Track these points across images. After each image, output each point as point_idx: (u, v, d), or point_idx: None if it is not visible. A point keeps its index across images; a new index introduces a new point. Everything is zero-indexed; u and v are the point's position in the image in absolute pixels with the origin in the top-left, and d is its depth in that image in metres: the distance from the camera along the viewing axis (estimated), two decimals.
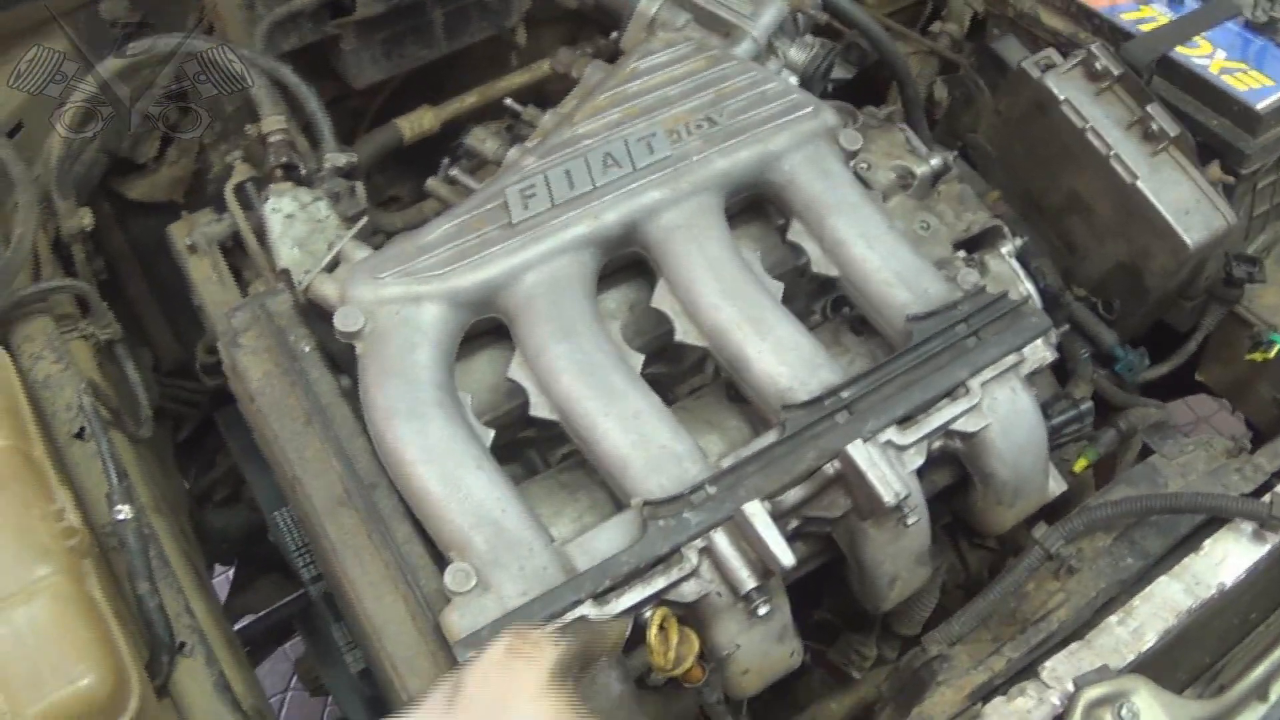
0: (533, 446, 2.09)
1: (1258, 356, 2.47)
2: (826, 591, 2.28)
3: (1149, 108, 2.43)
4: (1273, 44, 2.58)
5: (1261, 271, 2.52)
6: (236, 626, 2.94)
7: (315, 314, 2.00)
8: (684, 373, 2.17)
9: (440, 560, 1.75)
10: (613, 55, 2.50)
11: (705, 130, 2.09)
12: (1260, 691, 1.92)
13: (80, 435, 2.08)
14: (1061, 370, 2.46)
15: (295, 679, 3.30)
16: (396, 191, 2.87)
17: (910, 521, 1.82)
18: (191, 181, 2.73)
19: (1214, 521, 2.06)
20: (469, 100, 2.72)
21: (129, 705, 1.68)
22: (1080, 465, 2.38)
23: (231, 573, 3.13)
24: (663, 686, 1.78)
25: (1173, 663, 1.95)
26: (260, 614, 3.09)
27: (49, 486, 1.86)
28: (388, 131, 2.60)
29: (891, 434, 1.83)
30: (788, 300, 2.04)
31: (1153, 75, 2.52)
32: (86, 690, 1.64)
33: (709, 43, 2.28)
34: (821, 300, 2.23)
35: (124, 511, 1.91)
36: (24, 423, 1.95)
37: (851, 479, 1.78)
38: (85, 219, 2.38)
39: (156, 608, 1.88)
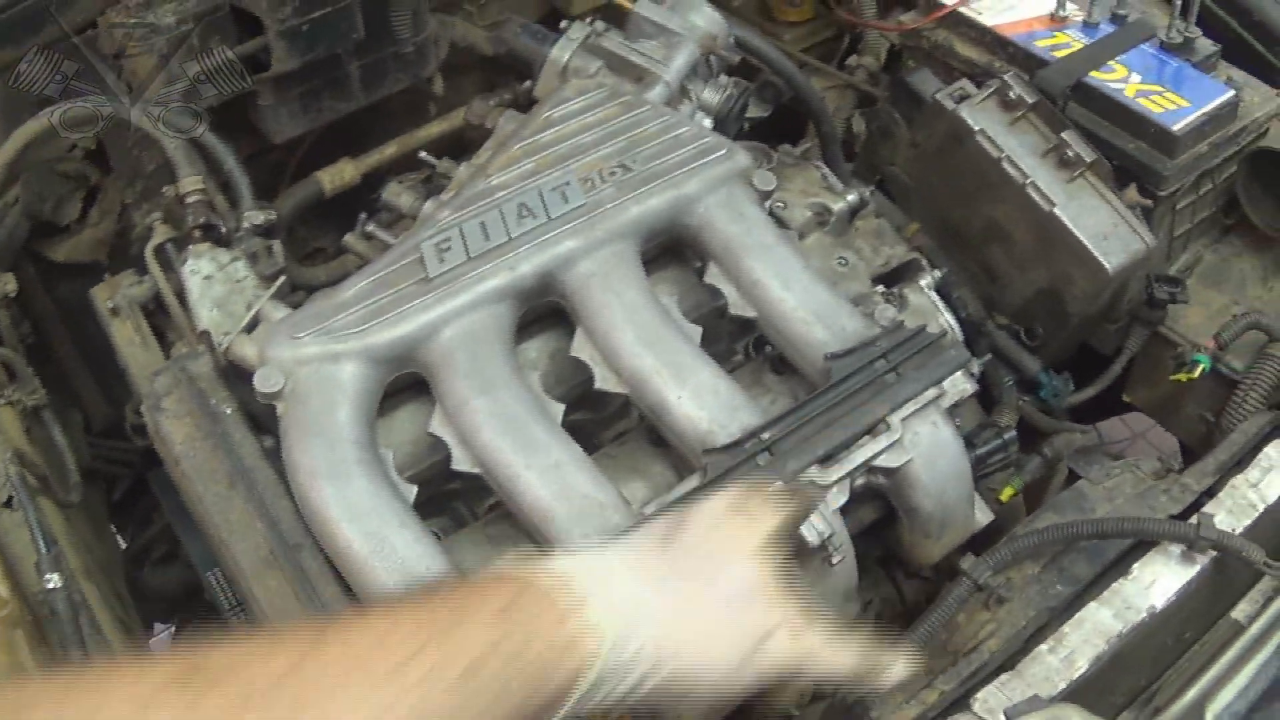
0: (459, 498, 2.09)
1: (1182, 377, 2.48)
2: None
3: (1064, 135, 2.46)
4: (1188, 65, 2.61)
5: (1184, 292, 2.55)
6: None
7: (236, 375, 2.00)
8: (608, 419, 2.18)
9: None
10: (527, 104, 2.51)
11: (619, 177, 2.10)
12: (1195, 712, 1.91)
13: (9, 504, 2.08)
14: (987, 399, 2.48)
15: None
16: (320, 244, 2.87)
17: (835, 560, 1.82)
18: (115, 242, 2.73)
19: (1143, 544, 2.07)
20: (389, 151, 2.72)
21: None
22: (1007, 494, 2.41)
23: (173, 629, 3.12)
24: None
25: (1106, 687, 1.96)
26: None
27: None
28: (308, 186, 2.60)
29: (813, 473, 1.84)
30: (709, 342, 2.05)
31: (1068, 102, 2.55)
32: None
33: (622, 89, 2.29)
34: (743, 340, 2.24)
35: (53, 580, 1.93)
36: None
37: None
38: (9, 285, 2.39)
39: None
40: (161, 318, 2.32)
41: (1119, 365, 2.65)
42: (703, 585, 1.45)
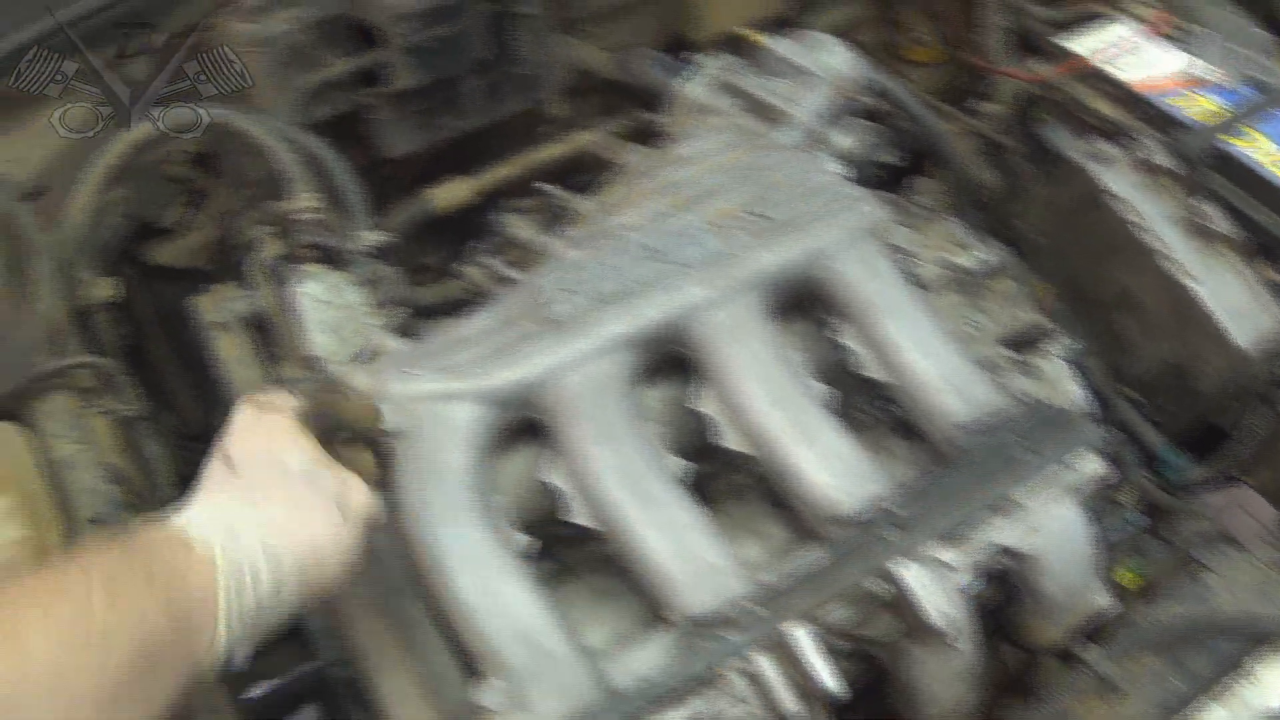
0: (562, 540, 2.01)
1: None
2: (864, 697, 2.25)
3: (1202, 204, 2.40)
4: None
5: None
6: (250, 694, 2.95)
7: None
8: (722, 469, 2.10)
9: (471, 671, 1.72)
10: (649, 134, 2.47)
11: (751, 224, 2.04)
12: None
13: (98, 521, 2.05)
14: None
15: None
16: (427, 259, 2.82)
17: (958, 644, 1.78)
18: (217, 247, 2.69)
19: (1264, 641, 2.02)
20: (504, 172, 2.68)
21: None
22: (1129, 579, 2.35)
23: None
24: None
25: None
26: (272, 683, 3.09)
27: None
28: (420, 203, 2.57)
29: (940, 552, 1.78)
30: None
31: (1205, 168, 2.48)
32: None
33: (755, 129, 2.24)
34: (863, 396, 2.18)
35: None
36: (41, 511, 1.98)
37: (899, 600, 1.74)
38: (108, 290, 2.34)
39: None
40: (265, 333, 2.27)
41: (1243, 447, 2.55)
42: (276, 480, 1.58)
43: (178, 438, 2.64)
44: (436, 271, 2.75)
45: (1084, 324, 2.61)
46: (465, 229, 2.59)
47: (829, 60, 2.40)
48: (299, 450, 1.61)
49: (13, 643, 1.20)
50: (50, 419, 2.14)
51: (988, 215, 2.85)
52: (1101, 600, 2.03)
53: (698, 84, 2.39)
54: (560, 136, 2.77)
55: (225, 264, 2.59)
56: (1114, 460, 2.41)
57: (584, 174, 2.51)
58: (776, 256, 2.01)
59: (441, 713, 1.75)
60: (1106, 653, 1.99)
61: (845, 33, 2.93)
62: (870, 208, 2.10)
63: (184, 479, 2.38)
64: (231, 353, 2.23)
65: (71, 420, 2.15)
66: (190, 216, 2.68)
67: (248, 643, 1.46)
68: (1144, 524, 2.32)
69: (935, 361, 1.99)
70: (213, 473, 1.59)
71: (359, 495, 1.63)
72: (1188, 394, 2.50)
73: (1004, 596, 1.99)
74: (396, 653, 1.80)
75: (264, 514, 1.52)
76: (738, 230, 2.03)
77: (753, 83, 2.36)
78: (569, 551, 2.02)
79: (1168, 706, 1.98)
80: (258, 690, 3.03)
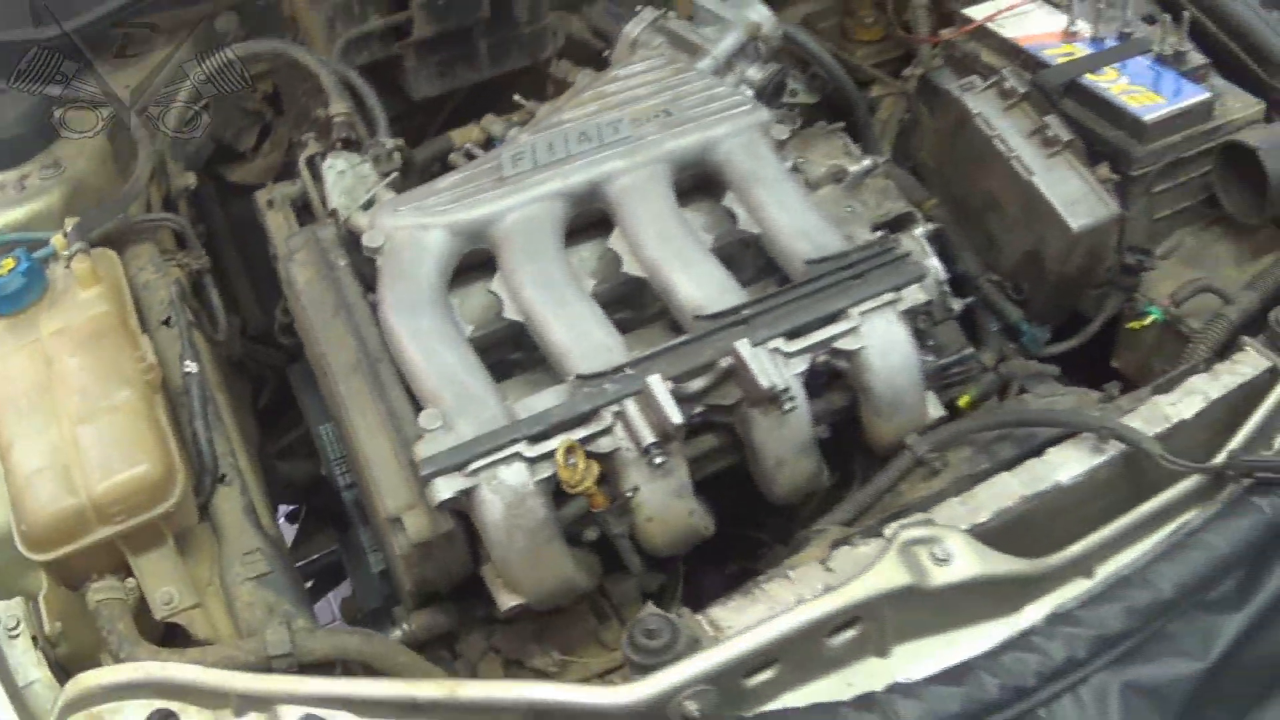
0: (519, 367, 2.73)
1: (1135, 325, 3.04)
2: (762, 515, 2.88)
3: (1046, 118, 3.09)
4: (1177, 73, 3.18)
5: (1151, 260, 3.08)
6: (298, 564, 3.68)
7: (354, 244, 2.71)
8: (645, 319, 2.80)
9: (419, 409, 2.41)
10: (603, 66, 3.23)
11: (661, 120, 2.79)
12: (1084, 568, 2.24)
13: (167, 323, 2.76)
14: (975, 342, 3.07)
15: (339, 618, 3.92)
16: None
17: (788, 408, 2.37)
18: (282, 170, 3.49)
19: (1066, 438, 2.47)
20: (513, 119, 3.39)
21: (174, 493, 2.33)
22: (963, 401, 2.93)
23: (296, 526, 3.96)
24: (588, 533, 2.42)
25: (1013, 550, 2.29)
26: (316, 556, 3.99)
27: (137, 339, 2.57)
28: (441, 141, 3.30)
29: (779, 343, 2.41)
30: (736, 270, 2.65)
31: (1063, 97, 3.16)
32: (142, 475, 2.31)
33: (677, 58, 2.99)
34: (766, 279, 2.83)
35: (191, 366, 2.63)
36: (125, 300, 2.67)
37: (739, 370, 2.35)
38: (190, 179, 3.20)
39: (206, 441, 2.55)
40: (307, 216, 3.04)
41: (1097, 324, 3.17)
42: None
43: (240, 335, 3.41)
44: None
45: (965, 230, 3.33)
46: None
47: (746, 13, 3.11)
48: None
49: None
50: (137, 258, 2.91)
51: (895, 150, 3.58)
52: (934, 412, 2.65)
53: (637, 25, 3.14)
54: (558, 93, 3.46)
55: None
56: (976, 325, 3.12)
57: None
58: (677, 141, 2.77)
59: (395, 440, 2.46)
60: (928, 441, 2.54)
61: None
62: (757, 111, 2.84)
63: (239, 364, 3.20)
64: (279, 224, 3.02)
65: (152, 259, 2.91)
66: (261, 143, 3.52)
67: None
68: (973, 356, 2.94)
69: (794, 217, 2.68)
70: None
71: None
72: (1040, 276, 3.17)
73: (850, 403, 2.59)
74: (369, 401, 2.52)
75: None
76: (650, 123, 2.79)
77: (681, 25, 3.11)
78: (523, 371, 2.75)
79: (972, 478, 2.48)
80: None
